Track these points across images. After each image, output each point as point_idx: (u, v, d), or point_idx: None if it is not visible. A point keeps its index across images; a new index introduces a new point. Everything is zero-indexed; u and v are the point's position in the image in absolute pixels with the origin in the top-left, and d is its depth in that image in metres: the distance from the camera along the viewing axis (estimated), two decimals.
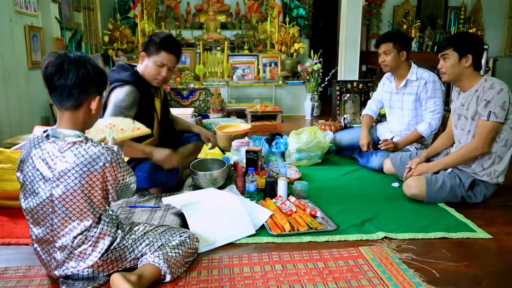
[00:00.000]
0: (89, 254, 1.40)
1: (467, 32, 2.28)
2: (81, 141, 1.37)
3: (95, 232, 1.40)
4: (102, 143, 1.42)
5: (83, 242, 1.39)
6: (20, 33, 3.74)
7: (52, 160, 1.35)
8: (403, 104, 2.86)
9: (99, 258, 1.40)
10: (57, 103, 1.38)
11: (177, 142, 2.60)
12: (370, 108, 3.15)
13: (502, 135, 2.10)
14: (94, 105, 1.41)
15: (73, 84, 1.34)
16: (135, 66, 2.31)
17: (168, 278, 1.45)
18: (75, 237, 1.38)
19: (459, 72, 2.15)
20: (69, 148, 1.35)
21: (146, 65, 2.24)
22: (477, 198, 2.22)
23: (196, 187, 2.43)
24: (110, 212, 1.47)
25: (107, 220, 1.43)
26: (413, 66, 2.81)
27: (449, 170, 2.27)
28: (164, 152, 2.18)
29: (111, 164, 1.38)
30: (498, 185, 2.22)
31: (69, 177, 1.34)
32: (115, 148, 1.43)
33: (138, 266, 1.46)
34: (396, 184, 2.54)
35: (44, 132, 1.42)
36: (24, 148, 1.43)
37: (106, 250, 1.41)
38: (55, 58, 1.34)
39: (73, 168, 1.34)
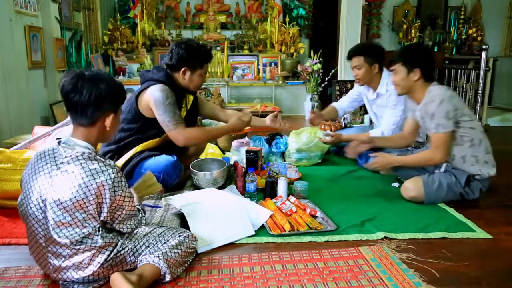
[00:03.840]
0: (87, 264, 1.38)
1: (416, 45, 2.35)
2: (89, 153, 1.37)
3: (92, 245, 1.36)
4: (110, 161, 1.41)
5: (80, 251, 1.36)
6: (20, 33, 3.74)
7: (56, 165, 1.36)
8: (381, 113, 2.90)
9: (98, 268, 1.39)
10: (73, 119, 1.42)
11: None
12: (340, 103, 3.18)
13: (465, 138, 2.14)
14: (108, 122, 1.43)
15: (86, 103, 1.37)
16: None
17: (168, 278, 1.45)
18: (69, 245, 1.35)
19: (409, 85, 2.22)
20: (75, 157, 1.35)
21: (191, 80, 2.35)
22: (475, 194, 2.23)
23: (196, 187, 2.43)
24: (109, 226, 1.44)
25: (104, 235, 1.40)
26: (384, 76, 2.77)
27: (443, 169, 2.27)
28: (240, 123, 2.43)
29: (113, 183, 1.34)
30: (492, 177, 2.23)
31: (65, 185, 1.32)
32: (117, 168, 1.41)
33: (138, 266, 1.46)
34: (396, 184, 2.54)
35: (58, 139, 1.43)
36: (35, 155, 1.44)
37: (106, 259, 1.40)
38: (71, 77, 1.37)
39: (71, 178, 1.32)
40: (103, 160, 1.39)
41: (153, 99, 2.21)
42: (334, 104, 3.24)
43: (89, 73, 1.39)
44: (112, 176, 1.35)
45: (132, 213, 1.46)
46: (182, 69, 2.31)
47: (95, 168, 1.34)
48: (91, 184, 1.32)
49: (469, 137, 2.15)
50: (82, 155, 1.36)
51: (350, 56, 2.78)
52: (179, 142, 2.24)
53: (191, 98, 2.50)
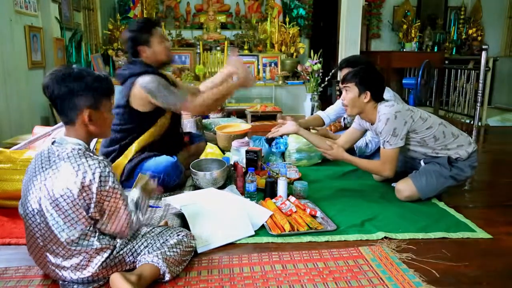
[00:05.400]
0: (86, 266, 1.38)
1: (371, 68, 2.34)
2: (79, 149, 1.37)
3: (89, 247, 1.36)
4: (99, 156, 1.39)
5: (76, 253, 1.36)
6: (20, 33, 3.74)
7: (50, 164, 1.36)
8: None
9: (97, 269, 1.39)
10: (59, 117, 1.43)
11: (180, 144, 2.60)
12: (326, 111, 3.12)
13: (426, 139, 2.21)
14: (85, 119, 1.39)
15: (55, 100, 1.37)
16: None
17: (167, 277, 1.45)
18: (66, 245, 1.35)
19: (359, 105, 2.27)
20: (66, 154, 1.35)
21: (153, 52, 2.29)
22: (466, 172, 2.25)
23: (196, 187, 2.43)
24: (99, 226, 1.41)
25: (101, 237, 1.39)
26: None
27: (423, 163, 2.33)
28: (246, 79, 2.34)
29: (99, 177, 1.33)
30: (474, 152, 2.26)
31: (56, 184, 1.32)
32: (106, 163, 1.38)
33: (137, 266, 1.46)
34: (396, 184, 2.53)
35: (52, 139, 1.44)
36: (35, 158, 1.44)
37: (104, 260, 1.39)
38: (49, 74, 1.38)
39: (62, 175, 1.33)
40: (92, 155, 1.38)
41: (146, 91, 2.19)
42: (319, 113, 3.19)
43: (61, 71, 1.37)
44: (99, 170, 1.33)
45: (120, 213, 1.40)
46: (140, 50, 2.27)
47: (83, 163, 1.33)
48: (79, 179, 1.31)
49: (430, 136, 2.22)
50: (71, 151, 1.36)
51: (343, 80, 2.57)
52: (196, 111, 2.36)
53: (169, 78, 2.46)
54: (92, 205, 1.34)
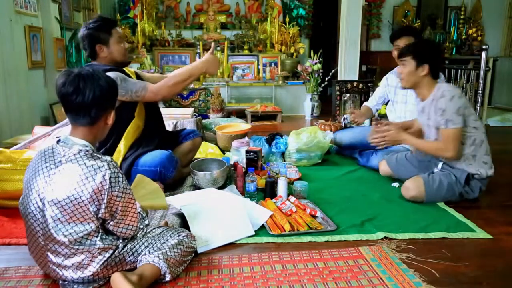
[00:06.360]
0: (87, 265, 1.38)
1: (428, 41, 2.33)
2: (87, 151, 1.37)
3: (91, 247, 1.36)
4: (107, 157, 1.40)
5: (78, 252, 1.36)
6: (20, 33, 3.74)
7: (55, 163, 1.36)
8: (407, 98, 2.85)
9: (98, 268, 1.39)
10: (72, 120, 1.40)
11: (174, 141, 2.60)
12: (370, 102, 3.27)
13: (467, 137, 2.17)
14: (110, 119, 1.45)
15: (91, 103, 1.36)
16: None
17: (168, 277, 1.45)
18: (68, 244, 1.35)
19: (415, 80, 2.23)
20: (73, 155, 1.35)
21: (111, 52, 2.27)
22: (474, 193, 2.23)
23: (196, 187, 2.43)
24: (107, 225, 1.42)
25: (104, 237, 1.40)
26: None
27: (440, 168, 2.30)
28: (208, 61, 2.38)
29: (109, 179, 1.33)
30: (490, 177, 2.24)
31: (62, 184, 1.32)
32: (115, 163, 1.40)
33: (137, 266, 1.46)
34: (396, 184, 2.54)
35: (57, 137, 1.43)
36: (34, 158, 1.44)
37: (106, 260, 1.39)
38: (70, 79, 1.35)
39: (69, 176, 1.32)
40: (100, 157, 1.38)
41: None
42: (366, 103, 3.33)
43: (86, 72, 1.38)
44: (109, 172, 1.34)
45: (131, 213, 1.44)
46: (97, 49, 2.25)
47: (92, 165, 1.33)
48: (88, 182, 1.32)
49: (472, 137, 2.17)
50: (79, 153, 1.35)
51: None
52: (158, 98, 2.31)
53: (133, 74, 2.43)
54: (103, 206, 1.35)
